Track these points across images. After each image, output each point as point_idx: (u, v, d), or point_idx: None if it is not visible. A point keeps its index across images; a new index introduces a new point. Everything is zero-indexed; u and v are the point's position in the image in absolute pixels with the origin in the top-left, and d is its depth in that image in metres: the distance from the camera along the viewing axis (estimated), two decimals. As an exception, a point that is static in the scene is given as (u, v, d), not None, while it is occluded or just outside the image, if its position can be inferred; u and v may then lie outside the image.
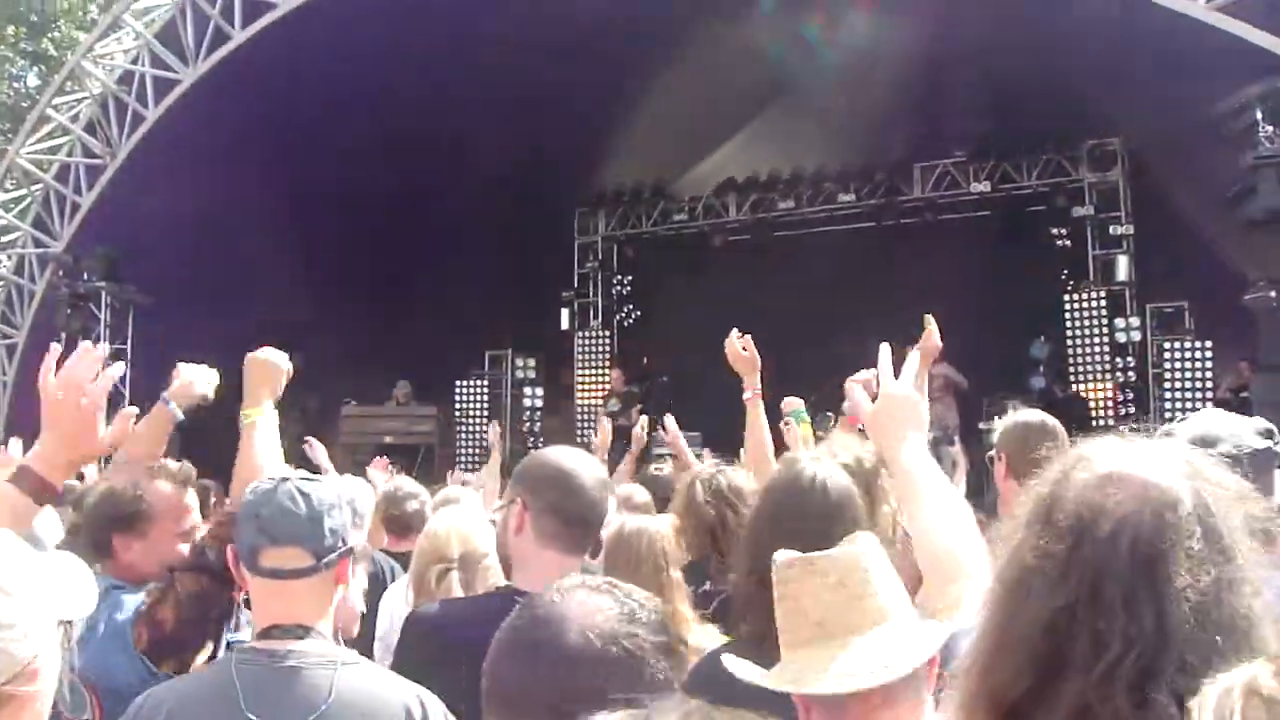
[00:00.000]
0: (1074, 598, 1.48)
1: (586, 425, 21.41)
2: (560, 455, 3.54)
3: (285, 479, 2.97)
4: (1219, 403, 16.22)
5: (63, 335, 16.16)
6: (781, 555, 2.40)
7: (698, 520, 4.78)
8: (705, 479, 4.96)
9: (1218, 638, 1.42)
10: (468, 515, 5.12)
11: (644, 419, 10.00)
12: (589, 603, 1.95)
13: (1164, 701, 1.39)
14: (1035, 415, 4.96)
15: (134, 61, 17.95)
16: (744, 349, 5.40)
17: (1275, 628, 1.46)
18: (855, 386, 3.84)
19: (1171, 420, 5.19)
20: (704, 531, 4.76)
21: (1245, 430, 3.68)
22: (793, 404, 6.32)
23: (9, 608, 1.58)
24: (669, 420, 8.03)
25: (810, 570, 2.33)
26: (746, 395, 5.39)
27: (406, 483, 6.69)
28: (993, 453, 4.81)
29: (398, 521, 6.32)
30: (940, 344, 4.75)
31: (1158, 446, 1.60)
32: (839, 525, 2.89)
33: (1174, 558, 1.45)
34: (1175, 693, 1.39)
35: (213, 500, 7.43)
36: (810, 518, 3.06)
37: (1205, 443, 3.26)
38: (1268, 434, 3.69)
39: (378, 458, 10.40)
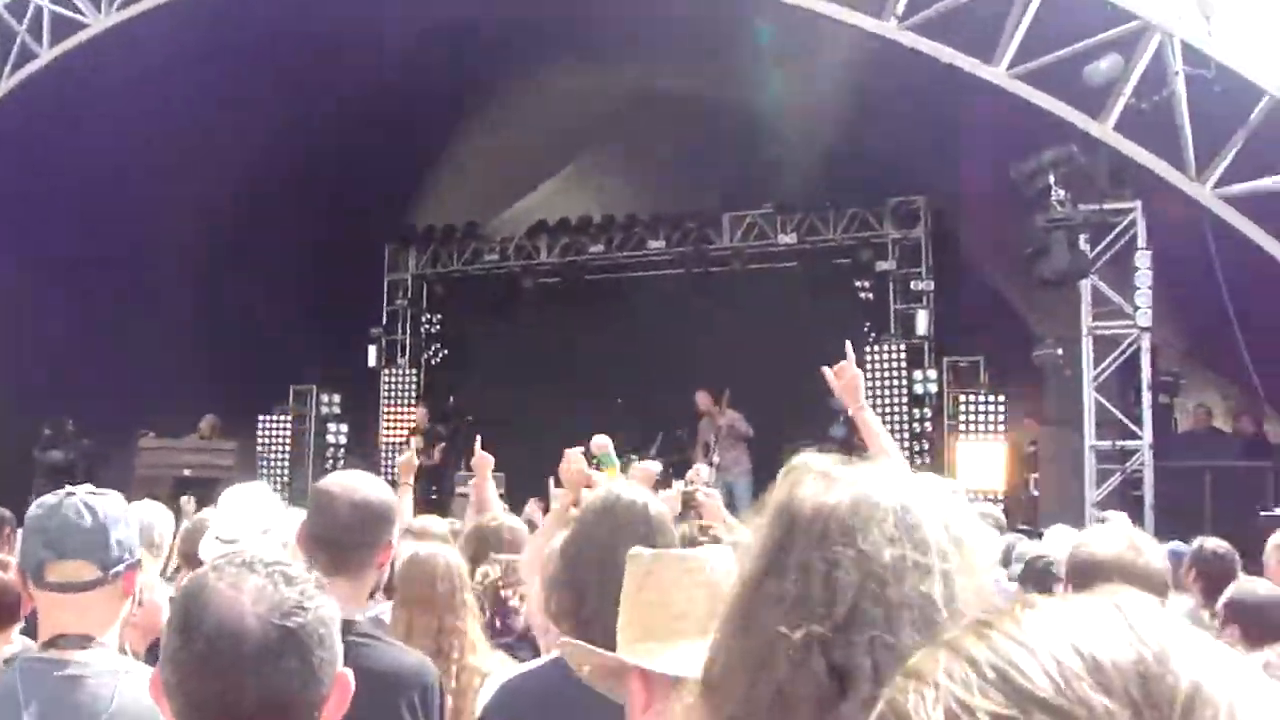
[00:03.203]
0: (764, 564, 1.53)
1: (390, 464, 21.17)
2: (333, 476, 3.61)
3: (71, 493, 2.94)
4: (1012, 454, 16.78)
5: None
6: (642, 550, 2.42)
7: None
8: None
9: (891, 615, 1.45)
10: (260, 545, 5.03)
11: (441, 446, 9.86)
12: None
13: (818, 666, 1.43)
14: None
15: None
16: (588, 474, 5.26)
17: (960, 619, 1.45)
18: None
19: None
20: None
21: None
22: (601, 445, 6.35)
23: None
24: (483, 456, 7.05)
25: (683, 566, 2.35)
26: (555, 503, 5.26)
27: (210, 516, 6.52)
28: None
29: (192, 558, 6.17)
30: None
31: (883, 467, 1.66)
32: (660, 540, 2.94)
33: (863, 534, 1.49)
34: (835, 661, 1.43)
35: (5, 530, 7.16)
36: (628, 534, 3.08)
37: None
38: None
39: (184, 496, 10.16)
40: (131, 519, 3.02)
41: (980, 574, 1.57)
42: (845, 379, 4.73)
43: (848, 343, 4.96)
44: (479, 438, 7.07)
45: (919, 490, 1.59)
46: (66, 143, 16.00)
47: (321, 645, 1.95)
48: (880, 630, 1.44)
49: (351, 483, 3.58)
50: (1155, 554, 3.99)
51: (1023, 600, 0.98)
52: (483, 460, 6.94)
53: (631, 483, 3.94)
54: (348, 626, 3.12)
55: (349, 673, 2.02)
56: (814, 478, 1.61)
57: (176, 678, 1.95)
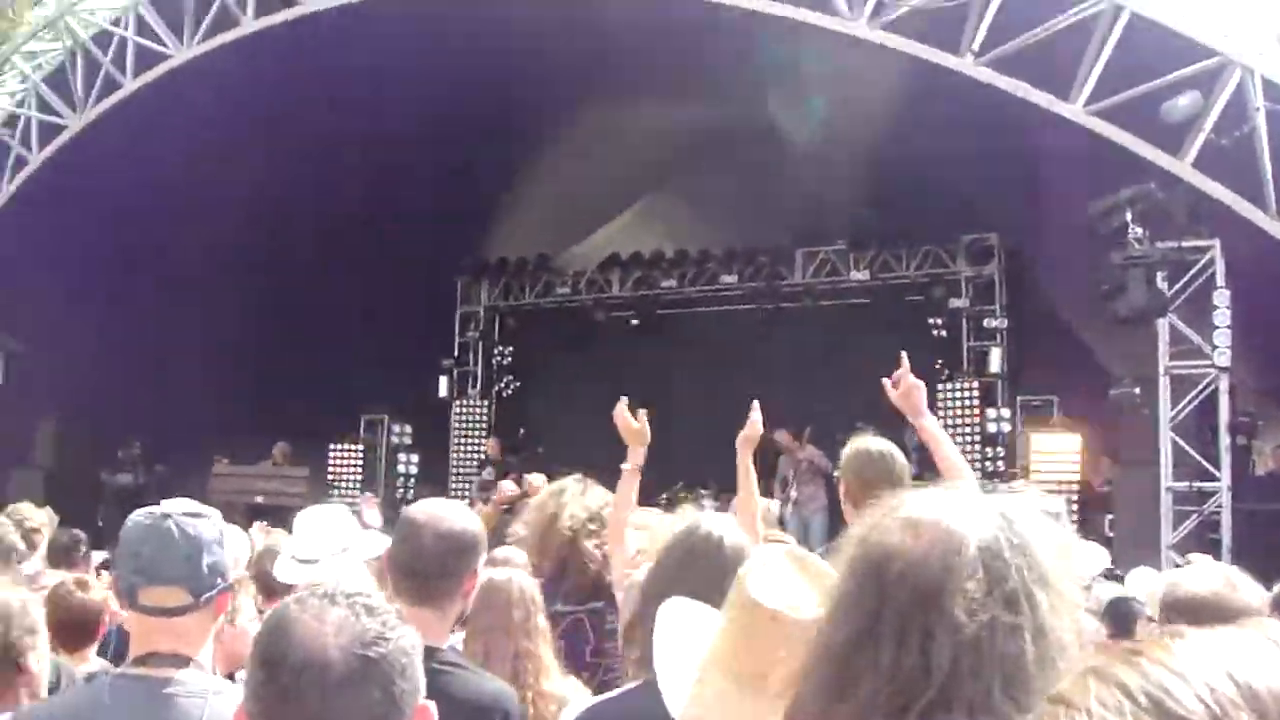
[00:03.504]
0: (857, 630, 1.52)
1: (461, 494, 21.25)
2: (419, 505, 3.63)
3: (167, 515, 2.93)
4: (1086, 494, 16.59)
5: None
6: (764, 593, 2.41)
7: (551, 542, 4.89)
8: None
9: (984, 679, 1.45)
10: (334, 573, 5.06)
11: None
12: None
13: None
14: (873, 443, 5.19)
15: (20, 105, 17.66)
16: (636, 420, 5.24)
17: (1050, 671, 1.47)
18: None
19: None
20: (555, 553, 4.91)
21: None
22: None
23: None
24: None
25: (779, 626, 2.34)
26: (626, 466, 5.21)
27: (280, 541, 6.55)
28: (837, 473, 5.26)
29: (263, 580, 6.21)
30: (759, 430, 5.36)
31: (969, 496, 1.65)
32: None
33: (951, 598, 1.48)
34: None
35: (79, 551, 7.25)
36: (707, 569, 3.07)
37: None
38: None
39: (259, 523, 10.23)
40: (227, 540, 3.03)
41: (1071, 611, 1.56)
42: (902, 388, 4.79)
43: (902, 353, 5.05)
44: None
45: (1005, 526, 1.57)
46: (143, 173, 16.27)
47: (403, 675, 1.95)
48: (972, 692, 1.44)
49: (438, 512, 3.58)
50: (1252, 592, 3.87)
51: (1170, 631, 0.98)
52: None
53: (714, 514, 3.90)
54: (431, 654, 3.15)
55: (431, 705, 2.02)
56: (894, 522, 1.59)
57: (260, 708, 1.96)
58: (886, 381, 4.95)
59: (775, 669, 2.26)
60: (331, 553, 5.44)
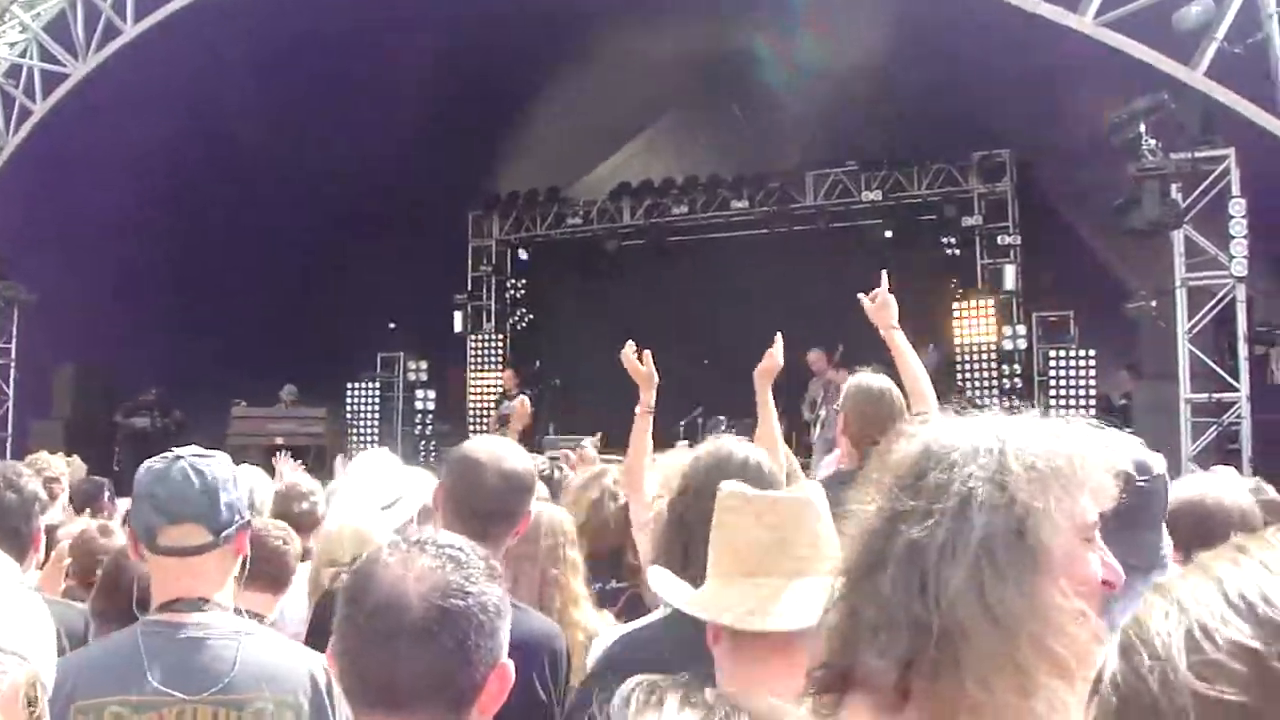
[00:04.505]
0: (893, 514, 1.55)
1: (479, 428, 21.34)
2: (475, 443, 3.58)
3: (179, 457, 2.96)
4: (1104, 409, 16.59)
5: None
6: (727, 485, 2.43)
7: (598, 519, 4.88)
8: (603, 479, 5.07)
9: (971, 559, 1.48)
10: (364, 513, 5.07)
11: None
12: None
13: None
14: (874, 379, 5.26)
15: (22, 55, 17.57)
16: (642, 363, 5.26)
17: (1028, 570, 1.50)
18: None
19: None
20: (605, 529, 4.87)
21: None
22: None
23: None
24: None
25: (748, 507, 2.35)
26: (638, 410, 5.21)
27: (303, 480, 6.55)
28: (836, 406, 5.35)
29: (287, 521, 6.21)
30: (780, 363, 5.33)
31: (974, 420, 1.66)
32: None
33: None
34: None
35: (103, 498, 7.27)
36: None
37: None
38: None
39: (283, 453, 10.19)
40: (240, 481, 3.05)
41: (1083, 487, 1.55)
42: (879, 301, 4.96)
43: (883, 272, 5.12)
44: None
45: (1002, 440, 1.58)
46: (150, 118, 16.20)
47: (479, 631, 1.98)
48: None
49: (498, 451, 3.56)
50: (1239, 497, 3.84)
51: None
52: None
53: (737, 438, 3.89)
54: None
55: (510, 664, 2.04)
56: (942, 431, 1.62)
57: (342, 647, 2.00)
58: (863, 296, 5.04)
59: (772, 554, 2.30)
60: (391, 498, 5.50)
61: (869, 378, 5.30)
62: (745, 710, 1.29)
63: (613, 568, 4.87)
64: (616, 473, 5.50)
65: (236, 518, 2.95)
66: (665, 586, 2.53)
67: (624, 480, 5.07)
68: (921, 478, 1.55)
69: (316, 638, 3.39)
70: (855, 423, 5.16)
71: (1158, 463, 2.77)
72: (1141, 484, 2.48)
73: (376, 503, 5.55)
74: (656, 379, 5.22)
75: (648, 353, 5.30)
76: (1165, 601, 0.94)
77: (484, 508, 3.44)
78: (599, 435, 13.50)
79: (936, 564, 1.47)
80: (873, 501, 1.59)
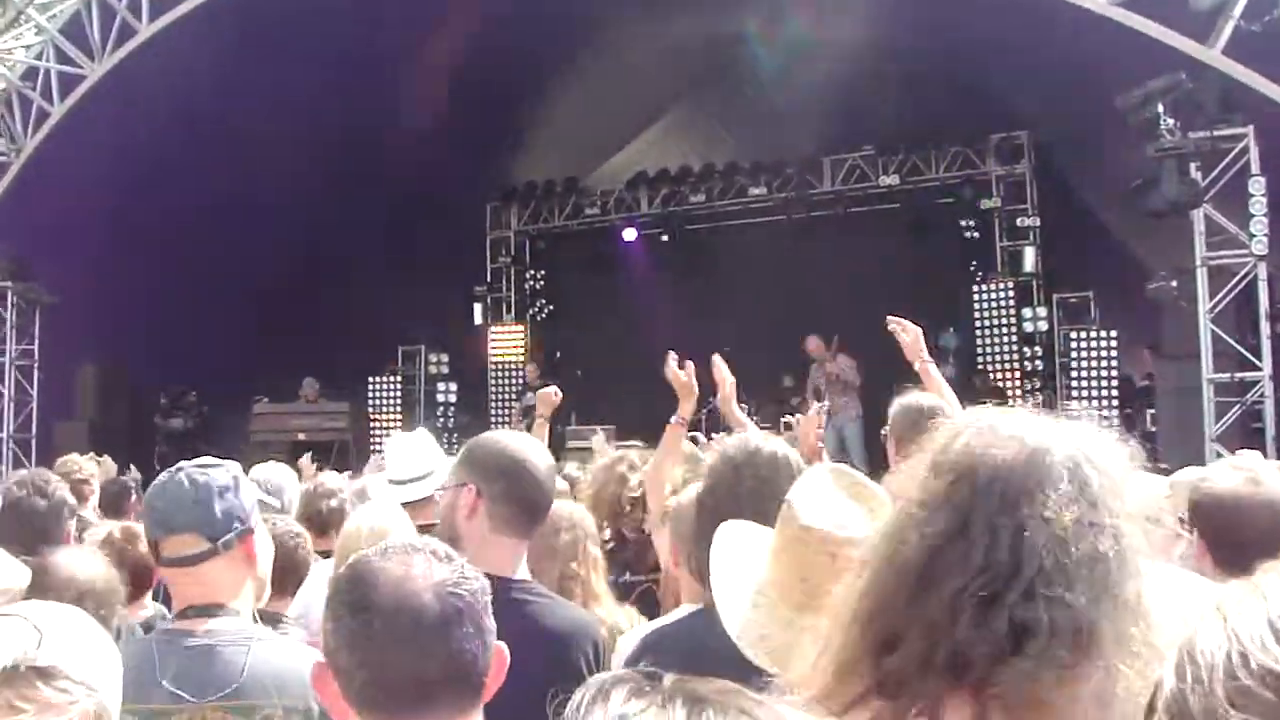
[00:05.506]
0: (946, 528, 1.57)
1: (500, 420, 21.38)
2: (510, 442, 3.57)
3: (179, 469, 3.04)
4: (1126, 390, 16.57)
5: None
6: (807, 513, 2.47)
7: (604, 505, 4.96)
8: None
9: (1069, 574, 1.51)
10: (384, 511, 5.10)
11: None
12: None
13: (999, 626, 1.49)
14: (922, 398, 5.14)
15: (38, 57, 17.62)
16: (685, 376, 5.24)
17: (1129, 572, 1.54)
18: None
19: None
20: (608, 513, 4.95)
21: None
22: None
23: None
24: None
25: (824, 546, 2.39)
26: (673, 419, 5.15)
27: (329, 479, 6.59)
28: (885, 431, 5.09)
29: (315, 520, 6.25)
30: (730, 382, 5.52)
31: (1040, 416, 1.68)
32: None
33: (1039, 497, 1.54)
34: (1015, 619, 1.49)
35: (131, 498, 7.32)
36: (769, 485, 3.09)
37: None
38: None
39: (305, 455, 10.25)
40: (244, 487, 3.08)
41: (1142, 518, 1.61)
42: (911, 336, 5.23)
43: (889, 317, 5.49)
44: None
45: (1084, 441, 1.62)
46: (167, 118, 16.23)
47: (485, 613, 2.05)
48: (1060, 590, 1.50)
49: (535, 445, 3.59)
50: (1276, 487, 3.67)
51: None
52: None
53: (762, 431, 3.89)
54: (522, 586, 3.27)
55: (504, 646, 2.08)
56: (979, 430, 1.65)
57: (357, 657, 2.00)
58: (893, 325, 5.30)
59: (828, 590, 2.30)
60: (419, 475, 5.59)
61: (916, 397, 5.15)
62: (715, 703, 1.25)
63: (618, 551, 4.91)
64: (634, 456, 5.53)
65: (236, 524, 3.00)
66: (732, 622, 2.52)
67: (647, 482, 5.08)
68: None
69: None
70: (907, 444, 4.98)
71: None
72: None
73: (410, 472, 5.66)
74: (696, 391, 5.23)
75: (690, 364, 5.29)
76: (1218, 617, 0.94)
77: (544, 502, 3.50)
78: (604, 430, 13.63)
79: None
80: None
